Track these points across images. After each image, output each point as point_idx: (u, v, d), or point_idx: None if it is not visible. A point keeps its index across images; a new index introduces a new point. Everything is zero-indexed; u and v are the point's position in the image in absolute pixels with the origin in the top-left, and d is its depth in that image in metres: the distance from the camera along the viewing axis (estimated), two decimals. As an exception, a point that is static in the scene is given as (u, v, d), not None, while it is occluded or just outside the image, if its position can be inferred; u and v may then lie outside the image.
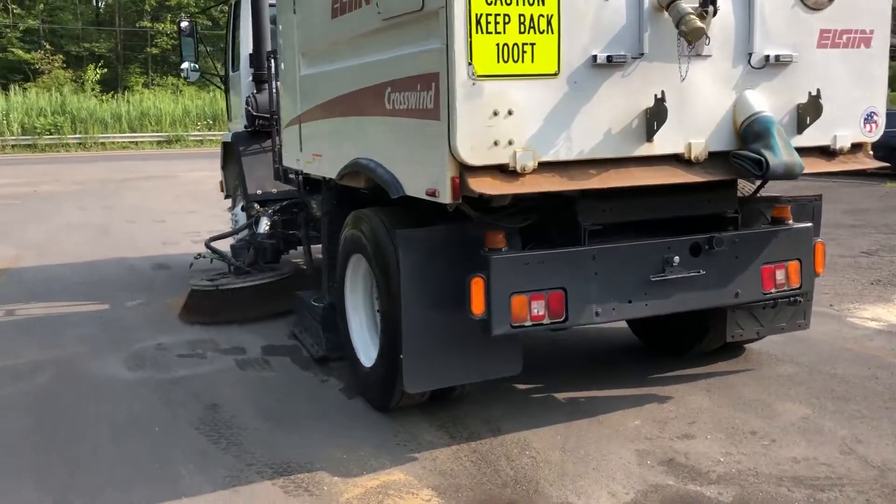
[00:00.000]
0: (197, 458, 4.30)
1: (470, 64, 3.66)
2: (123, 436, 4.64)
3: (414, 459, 4.20)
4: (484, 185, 3.78)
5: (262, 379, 5.57)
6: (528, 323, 4.11)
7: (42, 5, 48.25)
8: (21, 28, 47.01)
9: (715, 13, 4.02)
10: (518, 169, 3.80)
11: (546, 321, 4.16)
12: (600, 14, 3.88)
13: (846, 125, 4.55)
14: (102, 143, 36.49)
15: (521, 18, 3.73)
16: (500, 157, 3.78)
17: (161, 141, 37.04)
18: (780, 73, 4.33)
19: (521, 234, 4.38)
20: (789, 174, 4.14)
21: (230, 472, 4.12)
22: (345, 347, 5.31)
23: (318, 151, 5.78)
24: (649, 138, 4.05)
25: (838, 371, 5.34)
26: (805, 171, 4.40)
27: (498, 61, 3.71)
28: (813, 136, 4.46)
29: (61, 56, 44.36)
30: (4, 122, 35.06)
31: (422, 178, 4.07)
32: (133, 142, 37.06)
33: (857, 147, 4.65)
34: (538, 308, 4.12)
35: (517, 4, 3.70)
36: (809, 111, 4.35)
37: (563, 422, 4.61)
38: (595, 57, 3.88)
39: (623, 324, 5.96)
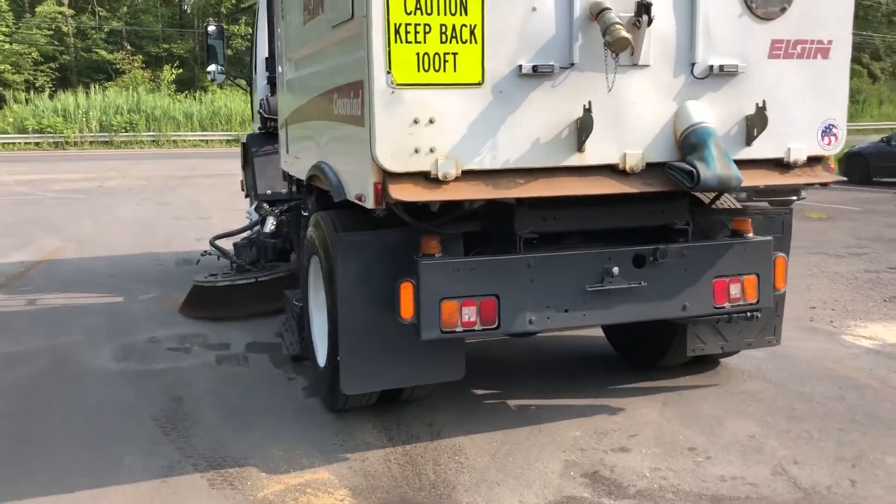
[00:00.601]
0: (145, 447, 4.48)
1: (388, 72, 3.72)
2: (87, 422, 4.86)
3: (345, 460, 4.28)
4: (405, 192, 3.84)
5: (234, 375, 5.74)
6: (460, 329, 4.14)
7: (125, 8, 50.17)
8: (105, 30, 49.04)
9: (650, 23, 3.97)
10: (440, 176, 3.84)
11: (478, 327, 4.18)
12: (528, 24, 3.89)
13: (801, 138, 4.43)
14: (174, 141, 37.79)
15: (443, 28, 3.77)
16: (421, 164, 3.83)
17: (230, 139, 38.09)
18: (726, 83, 4.25)
19: (466, 240, 4.41)
20: (723, 187, 4.08)
21: (168, 462, 4.28)
22: (307, 347, 5.43)
23: (297, 154, 5.93)
24: (580, 148, 4.03)
25: (806, 390, 5.20)
26: (758, 184, 4.34)
27: (418, 70, 3.76)
28: (764, 149, 4.37)
29: (141, 56, 46.04)
30: (84, 119, 36.66)
31: (355, 182, 4.17)
32: (203, 140, 38.26)
33: (815, 160, 4.52)
34: (469, 314, 4.15)
35: (438, 14, 3.74)
36: (756, 123, 4.26)
37: (504, 429, 4.63)
38: (521, 67, 3.89)
39: (600, 333, 5.93)
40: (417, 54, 3.75)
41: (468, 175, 3.93)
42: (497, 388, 5.28)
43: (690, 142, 4.11)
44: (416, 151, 3.81)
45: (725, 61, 4.21)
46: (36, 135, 36.29)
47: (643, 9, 3.92)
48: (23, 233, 12.91)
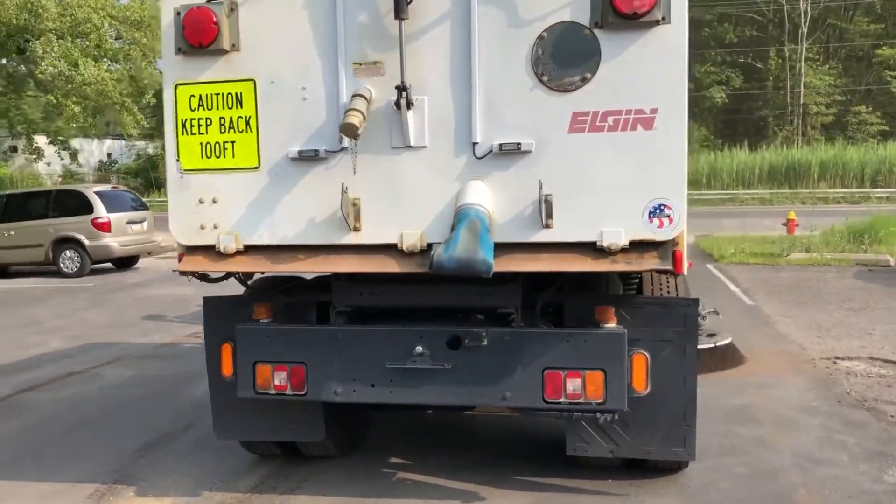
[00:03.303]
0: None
1: (177, 160, 4.34)
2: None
3: (197, 494, 4.86)
4: (194, 264, 4.39)
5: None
6: (272, 391, 4.50)
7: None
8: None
9: (409, 106, 3.98)
10: (222, 250, 4.31)
11: (289, 392, 4.49)
12: (299, 112, 4.17)
13: (620, 220, 3.91)
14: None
15: (222, 120, 4.28)
16: (207, 238, 4.34)
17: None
18: (516, 162, 3.99)
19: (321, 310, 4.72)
20: (464, 271, 3.83)
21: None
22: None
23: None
24: (353, 228, 4.16)
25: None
26: (569, 270, 3.97)
27: (202, 157, 4.32)
28: (570, 231, 3.96)
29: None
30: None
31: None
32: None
33: (645, 245, 3.92)
34: (280, 379, 4.48)
35: (218, 109, 4.27)
36: (543, 204, 3.90)
37: (360, 497, 4.74)
38: (289, 152, 4.19)
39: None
40: (201, 144, 4.31)
41: (252, 250, 4.33)
42: (404, 458, 5.32)
43: (453, 223, 3.96)
44: (202, 228, 4.34)
45: (514, 139, 3.97)
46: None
47: (399, 92, 3.96)
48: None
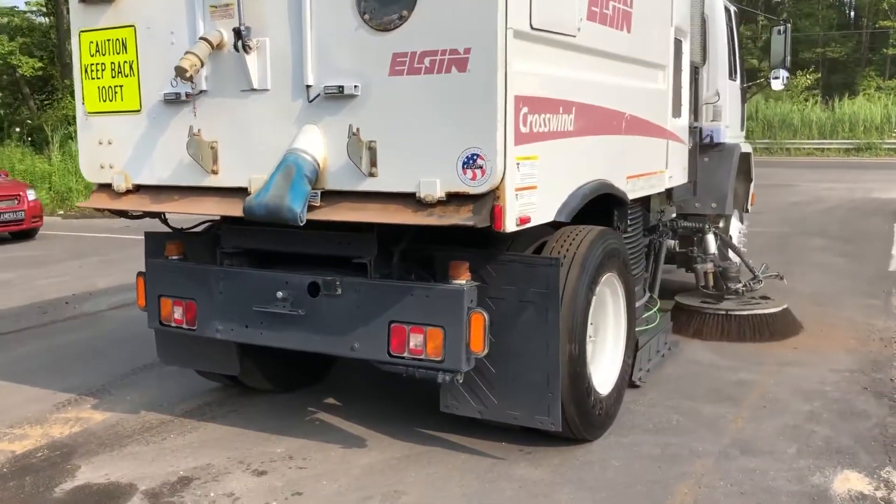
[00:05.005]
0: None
1: (83, 103, 4.66)
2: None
3: (136, 413, 5.29)
4: (97, 200, 4.74)
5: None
6: (174, 324, 4.79)
7: (784, 13, 49.85)
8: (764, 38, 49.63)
9: (246, 49, 3.96)
10: (115, 188, 4.59)
11: (184, 326, 4.75)
12: (168, 56, 4.28)
13: (437, 171, 3.65)
14: (787, 149, 36.62)
15: (113, 65, 4.52)
16: (105, 177, 4.65)
17: (849, 148, 35.16)
18: (344, 106, 3.84)
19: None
20: (273, 217, 3.81)
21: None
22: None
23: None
24: (211, 171, 4.24)
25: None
26: (387, 221, 3.83)
27: (100, 101, 4.60)
28: (391, 181, 3.78)
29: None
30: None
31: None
32: (819, 148, 36.12)
33: (463, 198, 3.63)
34: (178, 313, 4.76)
35: (109, 54, 4.51)
36: (360, 151, 3.73)
37: (266, 431, 4.93)
38: (164, 94, 4.33)
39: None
40: (98, 88, 4.59)
41: (142, 189, 4.57)
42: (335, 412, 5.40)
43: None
44: (102, 167, 4.66)
45: (340, 82, 3.83)
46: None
47: (236, 35, 3.96)
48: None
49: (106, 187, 4.70)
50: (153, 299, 4.80)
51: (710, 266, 7.25)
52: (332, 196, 3.94)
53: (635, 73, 5.14)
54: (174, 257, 4.85)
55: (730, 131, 8.31)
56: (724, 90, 8.08)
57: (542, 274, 4.04)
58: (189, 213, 4.42)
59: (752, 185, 9.26)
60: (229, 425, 5.03)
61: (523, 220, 3.76)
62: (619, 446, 4.57)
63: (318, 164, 3.89)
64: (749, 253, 8.56)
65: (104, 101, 4.60)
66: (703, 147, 7.94)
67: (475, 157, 3.56)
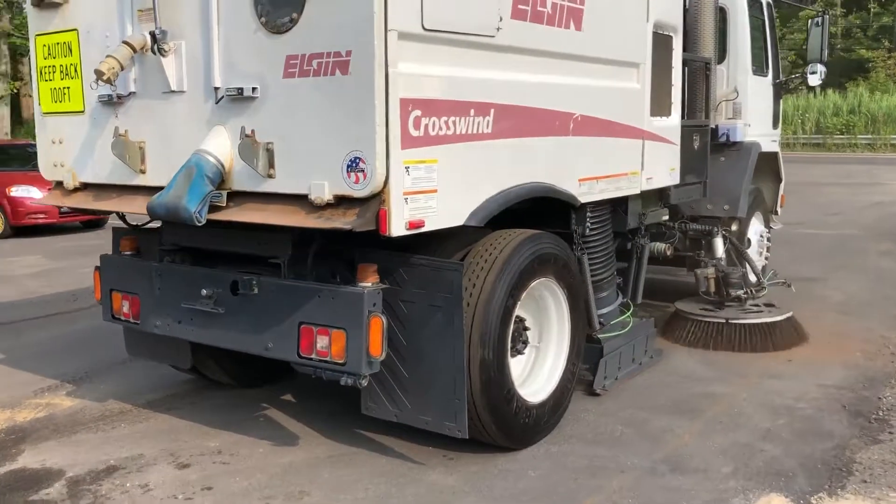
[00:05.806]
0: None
1: (39, 104, 4.86)
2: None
3: (103, 402, 5.50)
4: (52, 198, 4.95)
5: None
6: (122, 318, 4.96)
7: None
8: (875, 26, 47.06)
9: (162, 53, 4.04)
10: (66, 186, 4.78)
11: (131, 320, 4.90)
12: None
13: (326, 173, 3.63)
14: (893, 145, 34.66)
15: (62, 68, 4.70)
16: (58, 175, 4.86)
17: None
18: (246, 109, 3.89)
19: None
20: (172, 217, 3.88)
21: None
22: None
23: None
24: (140, 171, 4.36)
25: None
26: (287, 224, 3.84)
27: (53, 102, 4.80)
28: (286, 183, 3.81)
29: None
30: (799, 121, 36.66)
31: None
32: (921, 144, 34.09)
33: (347, 201, 3.61)
34: (126, 307, 4.93)
35: (59, 57, 4.70)
36: (256, 152, 3.76)
37: (210, 426, 5.05)
38: (99, 96, 4.48)
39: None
40: (51, 89, 4.79)
41: (88, 187, 4.74)
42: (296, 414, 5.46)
43: (180, 170, 3.99)
44: (55, 165, 4.85)
45: (241, 84, 3.88)
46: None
47: (152, 38, 4.05)
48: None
49: (59, 185, 4.90)
50: (106, 293, 4.98)
51: (710, 271, 6.96)
52: (239, 196, 3.99)
53: (591, 72, 4.96)
54: (127, 253, 5.01)
55: (754, 129, 7.93)
56: (746, 86, 7.72)
57: (447, 279, 3.98)
58: (123, 211, 4.56)
59: (782, 186, 8.82)
60: (180, 417, 5.17)
61: (414, 225, 3.70)
62: (546, 456, 4.46)
63: (223, 165, 3.94)
64: (792, 256, 8.08)
65: (56, 101, 4.79)
66: (719, 146, 7.63)
67: (357, 161, 3.54)
